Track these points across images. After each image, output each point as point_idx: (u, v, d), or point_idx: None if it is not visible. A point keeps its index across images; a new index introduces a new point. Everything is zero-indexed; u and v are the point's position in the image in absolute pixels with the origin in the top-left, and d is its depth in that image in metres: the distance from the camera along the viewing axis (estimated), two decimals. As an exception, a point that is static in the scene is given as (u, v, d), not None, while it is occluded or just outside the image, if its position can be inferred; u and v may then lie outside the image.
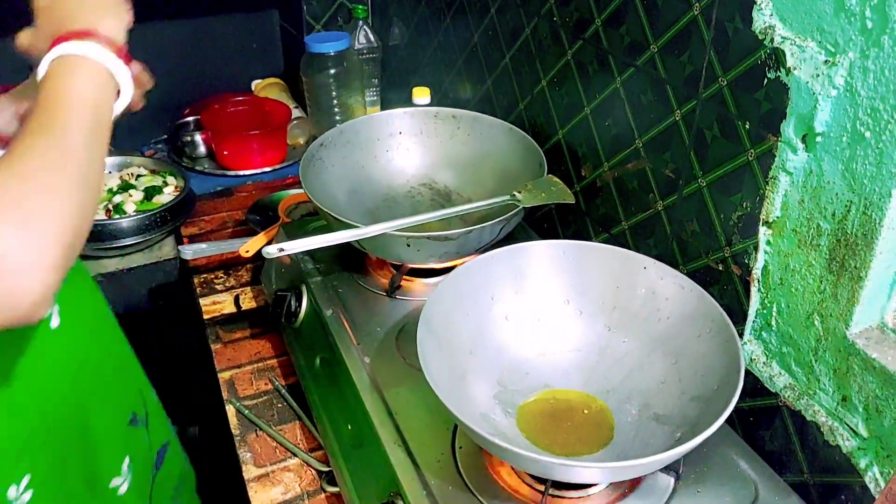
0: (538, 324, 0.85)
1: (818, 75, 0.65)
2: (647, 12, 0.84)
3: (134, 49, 1.57)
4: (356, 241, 0.90)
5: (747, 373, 0.79)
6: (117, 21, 0.68)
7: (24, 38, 0.69)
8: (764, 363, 0.79)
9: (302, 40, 1.55)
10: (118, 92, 0.66)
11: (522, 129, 1.08)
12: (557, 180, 0.99)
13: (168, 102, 1.66)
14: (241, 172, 1.55)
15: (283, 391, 1.04)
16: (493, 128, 1.12)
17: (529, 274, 0.85)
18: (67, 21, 0.65)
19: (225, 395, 1.05)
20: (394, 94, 1.62)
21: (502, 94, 1.19)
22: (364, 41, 1.60)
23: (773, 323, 0.77)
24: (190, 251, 1.12)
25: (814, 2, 0.65)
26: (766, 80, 0.70)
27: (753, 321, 0.79)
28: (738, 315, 0.80)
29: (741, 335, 0.80)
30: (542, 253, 0.85)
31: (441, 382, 0.69)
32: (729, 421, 0.81)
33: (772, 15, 0.69)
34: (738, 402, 0.74)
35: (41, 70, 0.63)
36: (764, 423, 0.80)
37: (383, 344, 0.90)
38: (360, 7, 1.59)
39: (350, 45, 1.54)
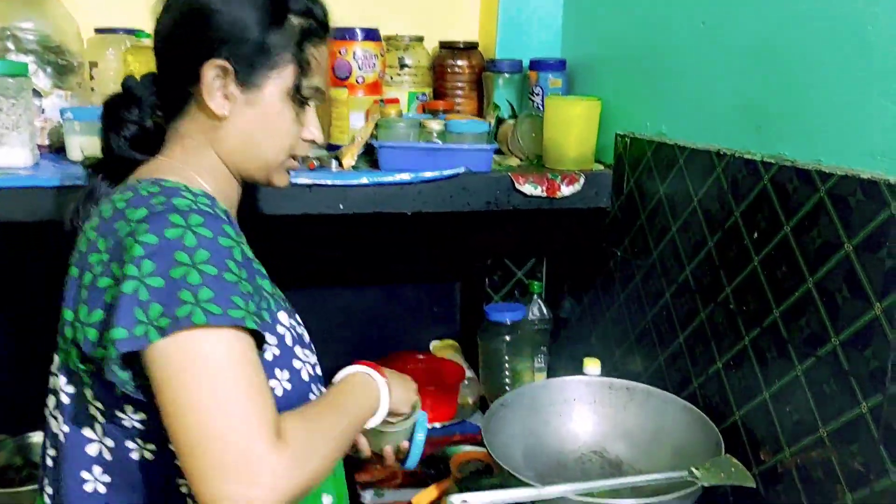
0: None
1: None
2: (826, 308, 0.90)
3: (333, 309, 1.77)
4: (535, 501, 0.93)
5: None
6: (402, 398, 1.04)
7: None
8: None
9: (480, 308, 1.71)
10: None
11: (696, 407, 1.11)
12: (736, 461, 0.99)
13: (358, 356, 1.83)
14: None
15: None
16: (666, 403, 1.16)
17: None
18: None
19: None
20: (563, 363, 1.70)
21: (675, 370, 1.24)
22: (537, 313, 1.73)
23: None
24: (369, 497, 1.19)
25: None
26: (959, 382, 0.72)
27: None
28: None
29: None
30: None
31: None
32: None
33: (959, 320, 0.73)
34: None
35: (349, 369, 1.01)
36: None
37: None
38: (536, 283, 1.74)
39: (524, 316, 1.67)
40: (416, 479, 1.38)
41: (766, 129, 1.03)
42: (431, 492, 1.23)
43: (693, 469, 0.97)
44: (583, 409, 1.22)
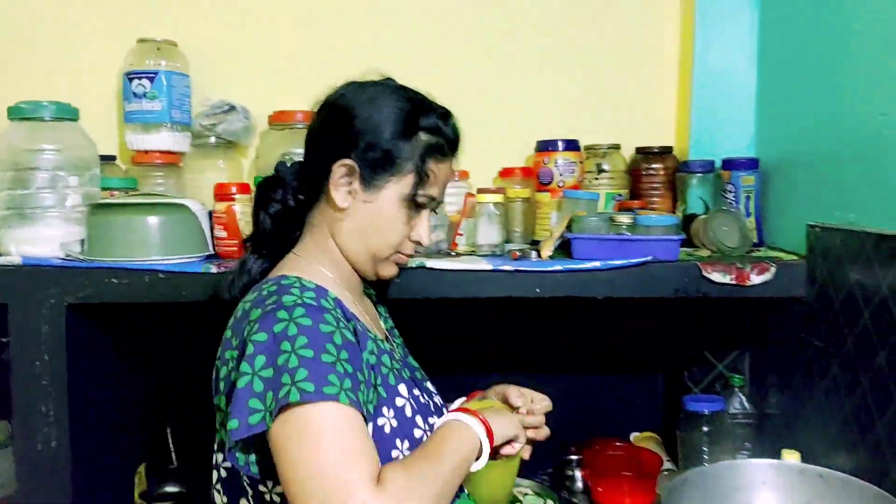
0: None
1: None
2: None
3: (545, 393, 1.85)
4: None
5: None
6: (504, 430, 1.06)
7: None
8: None
9: (680, 400, 1.74)
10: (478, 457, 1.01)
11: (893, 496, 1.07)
12: (931, 549, 0.95)
13: (559, 440, 1.92)
14: (611, 510, 1.68)
15: None
16: (863, 492, 1.12)
17: None
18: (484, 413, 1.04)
19: None
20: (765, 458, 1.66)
21: (875, 460, 1.20)
22: (739, 407, 1.72)
23: None
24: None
25: None
26: None
27: None
28: None
29: None
30: None
31: None
32: None
33: None
34: None
35: (443, 419, 1.03)
36: None
37: None
38: (738, 377, 1.74)
39: (724, 408, 1.68)
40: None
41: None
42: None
43: (880, 551, 0.95)
44: (771, 496, 1.21)
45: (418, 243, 1.09)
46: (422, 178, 1.04)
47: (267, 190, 1.12)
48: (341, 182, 1.02)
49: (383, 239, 1.05)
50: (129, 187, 1.66)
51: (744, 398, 1.72)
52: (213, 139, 1.80)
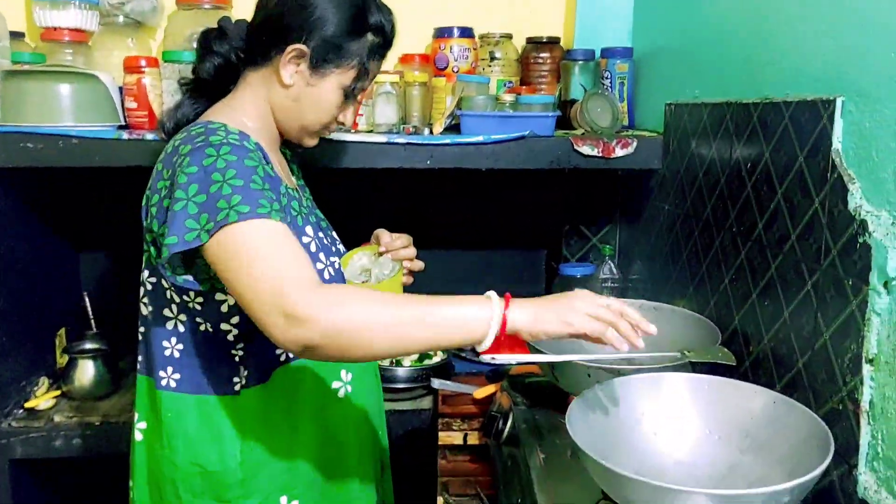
0: (680, 439, 1.03)
1: (888, 234, 0.86)
2: (789, 213, 1.10)
3: (433, 270, 2.06)
4: (547, 363, 1.19)
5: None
6: (540, 323, 1.03)
7: None
8: (875, 491, 0.88)
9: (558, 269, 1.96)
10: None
11: (712, 321, 1.31)
12: (725, 350, 1.19)
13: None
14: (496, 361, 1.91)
15: (483, 496, 1.29)
16: (686, 319, 1.37)
17: (676, 399, 1.06)
18: (531, 303, 1.04)
19: (439, 490, 1.32)
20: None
21: (701, 295, 1.44)
22: (609, 273, 1.96)
23: (880, 451, 0.87)
24: (438, 383, 1.48)
25: (884, 184, 0.88)
26: (858, 245, 0.91)
27: (866, 453, 0.90)
28: (853, 449, 0.91)
29: (856, 466, 0.90)
30: (685, 383, 1.06)
31: (590, 449, 0.91)
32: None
33: (861, 197, 0.92)
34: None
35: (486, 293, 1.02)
36: (882, 554, 0.86)
37: (559, 448, 1.14)
38: (608, 247, 1.98)
39: (594, 273, 1.91)
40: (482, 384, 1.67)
41: (755, 78, 1.24)
42: (490, 388, 1.50)
43: (685, 351, 1.19)
44: (617, 325, 1.44)
45: (342, 124, 1.23)
46: (361, 74, 1.16)
47: (211, 41, 1.20)
48: (290, 63, 1.12)
49: (317, 118, 1.18)
50: (38, 62, 1.71)
51: (613, 265, 1.96)
52: (121, 19, 1.85)
